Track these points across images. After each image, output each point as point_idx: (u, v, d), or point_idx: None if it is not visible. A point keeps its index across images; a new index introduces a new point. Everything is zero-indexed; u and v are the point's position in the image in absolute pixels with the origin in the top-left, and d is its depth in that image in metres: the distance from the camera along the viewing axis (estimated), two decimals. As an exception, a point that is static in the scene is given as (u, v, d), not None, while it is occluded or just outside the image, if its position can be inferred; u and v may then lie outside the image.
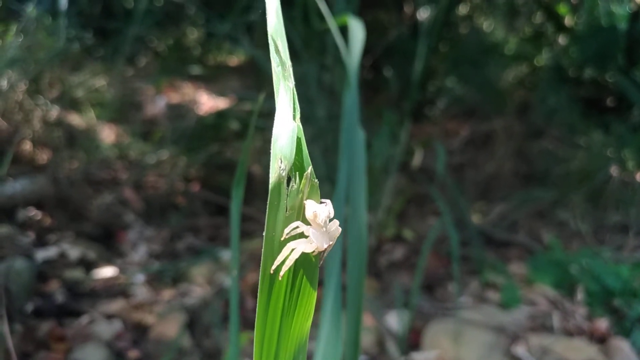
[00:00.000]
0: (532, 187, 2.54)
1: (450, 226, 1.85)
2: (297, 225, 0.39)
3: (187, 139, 2.44)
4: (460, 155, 2.79)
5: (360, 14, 2.28)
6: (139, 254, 2.03)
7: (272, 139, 0.39)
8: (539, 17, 3.12)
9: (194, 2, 2.48)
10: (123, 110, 2.70)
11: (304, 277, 0.42)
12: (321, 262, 0.42)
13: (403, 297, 1.84)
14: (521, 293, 1.88)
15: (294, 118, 0.40)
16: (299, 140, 0.40)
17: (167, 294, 1.82)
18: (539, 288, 1.93)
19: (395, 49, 2.60)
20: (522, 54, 3.14)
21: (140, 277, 1.88)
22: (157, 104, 2.89)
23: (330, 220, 0.40)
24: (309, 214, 0.40)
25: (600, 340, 1.67)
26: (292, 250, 0.39)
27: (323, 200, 0.41)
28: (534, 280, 1.97)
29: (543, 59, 3.11)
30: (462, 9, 3.09)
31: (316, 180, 0.40)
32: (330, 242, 0.40)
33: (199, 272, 1.92)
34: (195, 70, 2.96)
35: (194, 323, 1.69)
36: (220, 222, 2.26)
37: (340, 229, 0.41)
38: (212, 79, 3.01)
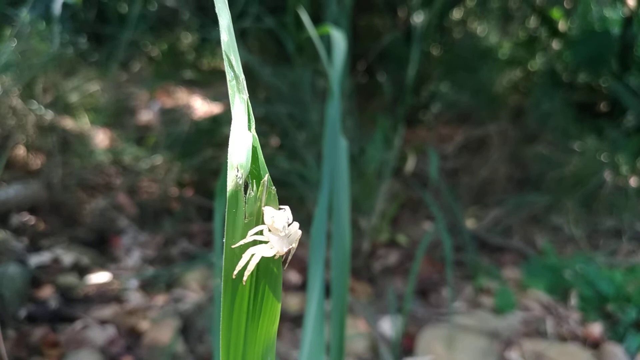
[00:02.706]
0: (526, 191, 2.54)
1: (443, 231, 1.85)
2: (261, 229, 0.41)
3: (181, 144, 2.44)
4: (455, 160, 2.80)
5: (354, 19, 2.29)
6: (133, 259, 2.03)
7: (229, 149, 0.40)
8: (532, 22, 3.13)
9: (188, 7, 2.48)
10: (117, 115, 2.70)
11: (267, 281, 0.43)
12: (285, 267, 0.44)
13: (397, 302, 1.84)
14: (515, 298, 1.88)
15: (249, 128, 0.41)
16: (254, 149, 0.41)
17: (161, 299, 1.82)
18: (533, 293, 1.94)
19: (389, 54, 2.60)
20: (516, 58, 3.15)
21: (134, 283, 1.88)
22: (151, 109, 2.89)
23: (289, 224, 0.42)
24: (267, 220, 0.41)
25: (594, 345, 1.68)
26: (253, 255, 0.41)
27: (281, 206, 0.42)
28: (528, 285, 1.97)
29: (537, 63, 3.12)
30: (456, 14, 3.09)
31: (273, 188, 0.42)
32: (292, 246, 0.42)
33: (193, 277, 1.92)
34: (189, 75, 2.96)
35: (187, 329, 1.69)
36: (213, 227, 2.26)
37: (300, 232, 0.43)
38: (206, 84, 3.01)
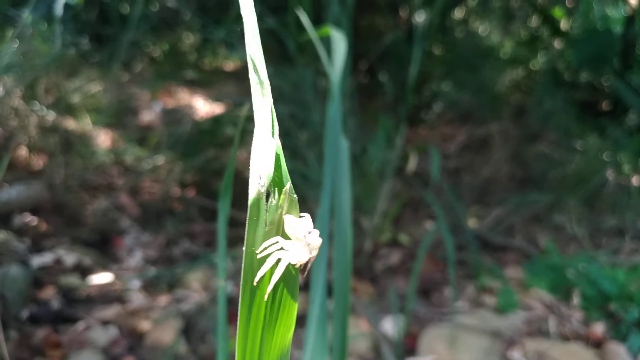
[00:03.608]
0: (528, 191, 2.54)
1: (445, 230, 1.85)
2: (277, 241, 0.40)
3: (183, 144, 2.44)
4: (457, 160, 2.80)
5: (355, 18, 2.29)
6: (135, 259, 2.03)
7: (251, 156, 0.39)
8: (534, 21, 3.13)
9: (190, 7, 2.48)
10: (119, 116, 2.70)
11: (285, 290, 0.43)
12: (305, 274, 0.43)
13: (399, 302, 1.84)
14: (517, 297, 1.88)
15: (272, 135, 0.41)
16: (277, 156, 0.41)
17: (163, 299, 1.82)
18: (535, 292, 1.93)
19: (391, 53, 2.60)
20: (518, 57, 3.14)
21: (136, 283, 1.88)
22: (152, 110, 2.89)
23: (310, 232, 0.41)
24: (288, 229, 0.40)
25: (597, 344, 1.67)
26: (277, 262, 0.40)
27: (302, 214, 0.42)
28: (530, 284, 1.97)
29: (539, 62, 3.12)
30: (458, 13, 3.09)
31: (295, 196, 0.41)
32: (312, 254, 0.41)
33: (195, 277, 1.92)
34: (191, 75, 2.96)
35: (189, 329, 1.69)
36: (216, 228, 2.25)
37: (320, 240, 0.42)
38: (208, 84, 3.01)
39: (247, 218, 0.40)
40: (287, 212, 0.41)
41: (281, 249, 0.40)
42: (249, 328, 0.42)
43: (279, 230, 0.41)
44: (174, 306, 1.77)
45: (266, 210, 0.40)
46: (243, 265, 0.40)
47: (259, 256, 0.40)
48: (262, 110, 0.41)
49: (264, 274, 0.40)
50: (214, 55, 3.15)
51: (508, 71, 3.06)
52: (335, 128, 0.85)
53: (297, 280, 0.43)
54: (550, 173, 2.55)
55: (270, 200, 0.40)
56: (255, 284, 0.40)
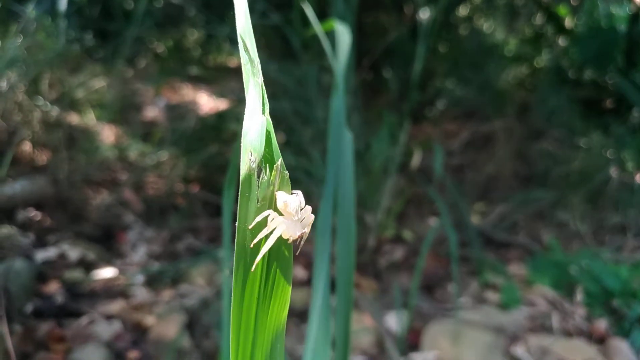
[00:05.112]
0: (532, 188, 2.54)
1: (448, 227, 1.85)
2: (269, 214, 0.41)
3: (187, 140, 2.44)
4: (460, 156, 2.79)
5: (360, 15, 2.29)
6: (139, 254, 2.03)
7: (242, 133, 0.40)
8: (539, 19, 3.12)
9: (194, 3, 2.48)
10: (123, 111, 2.70)
11: (278, 268, 0.43)
12: (297, 252, 0.44)
13: (402, 297, 1.84)
14: (521, 294, 1.88)
15: (263, 112, 0.41)
16: (268, 133, 0.41)
17: (167, 294, 1.82)
18: (539, 289, 1.93)
19: (395, 50, 2.60)
20: (522, 55, 3.14)
21: (139, 278, 1.88)
22: (157, 105, 2.89)
23: (302, 208, 0.42)
24: (280, 204, 0.41)
25: (600, 340, 1.67)
26: (271, 232, 0.40)
27: (294, 191, 0.42)
28: (534, 280, 1.97)
29: (543, 60, 3.12)
30: (462, 10, 3.09)
31: (286, 172, 0.42)
32: (304, 230, 0.42)
33: (199, 272, 1.92)
34: (195, 71, 2.96)
35: (193, 324, 1.69)
36: (220, 223, 2.26)
37: (312, 216, 0.42)
38: (212, 80, 3.01)
39: (239, 194, 0.40)
40: (279, 189, 0.41)
41: (273, 222, 0.41)
42: (243, 303, 0.43)
43: (270, 206, 0.41)
44: (178, 301, 1.78)
45: (258, 186, 0.40)
46: (236, 240, 0.41)
47: (250, 227, 0.40)
48: (252, 88, 0.41)
49: (257, 243, 0.41)
50: (218, 52, 3.15)
51: (512, 68, 3.06)
52: (339, 119, 0.85)
53: (291, 258, 0.44)
54: (554, 170, 2.54)
55: (261, 176, 0.41)
56: (252, 246, 0.41)
